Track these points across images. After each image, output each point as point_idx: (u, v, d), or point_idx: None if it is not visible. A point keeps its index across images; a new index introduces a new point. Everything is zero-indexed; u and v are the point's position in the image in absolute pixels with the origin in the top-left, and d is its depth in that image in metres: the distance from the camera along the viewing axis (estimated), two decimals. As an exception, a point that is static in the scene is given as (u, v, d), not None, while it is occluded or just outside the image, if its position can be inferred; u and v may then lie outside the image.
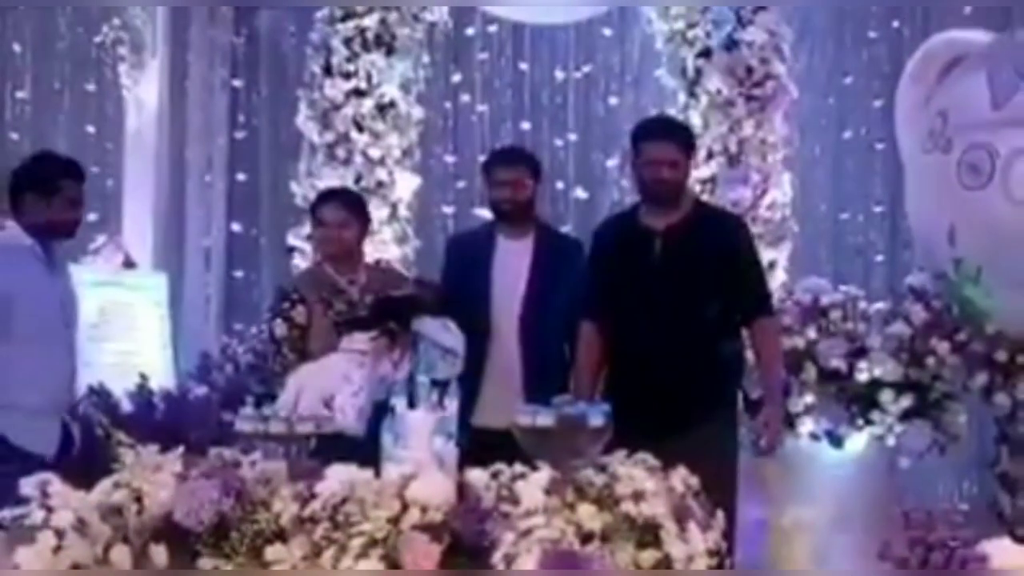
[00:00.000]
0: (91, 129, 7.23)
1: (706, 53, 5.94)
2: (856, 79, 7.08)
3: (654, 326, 4.18)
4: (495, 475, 3.21)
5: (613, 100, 7.06)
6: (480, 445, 3.66)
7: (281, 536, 3.14)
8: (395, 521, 3.06)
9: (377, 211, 5.94)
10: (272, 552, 3.11)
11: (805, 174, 6.60)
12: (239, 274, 7.34)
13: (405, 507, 3.09)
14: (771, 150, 5.97)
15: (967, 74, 4.71)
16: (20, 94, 7.06)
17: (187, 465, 3.29)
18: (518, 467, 3.22)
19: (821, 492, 4.83)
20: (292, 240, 6.17)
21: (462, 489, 3.18)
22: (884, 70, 6.83)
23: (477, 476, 3.23)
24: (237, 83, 7.28)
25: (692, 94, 5.97)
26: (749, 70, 5.91)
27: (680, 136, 4.33)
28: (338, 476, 3.20)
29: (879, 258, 7.10)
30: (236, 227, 7.28)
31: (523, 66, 7.11)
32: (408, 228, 6.19)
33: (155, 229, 7.19)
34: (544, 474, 3.16)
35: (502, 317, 4.56)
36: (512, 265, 4.60)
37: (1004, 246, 4.46)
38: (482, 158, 5.37)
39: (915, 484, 5.28)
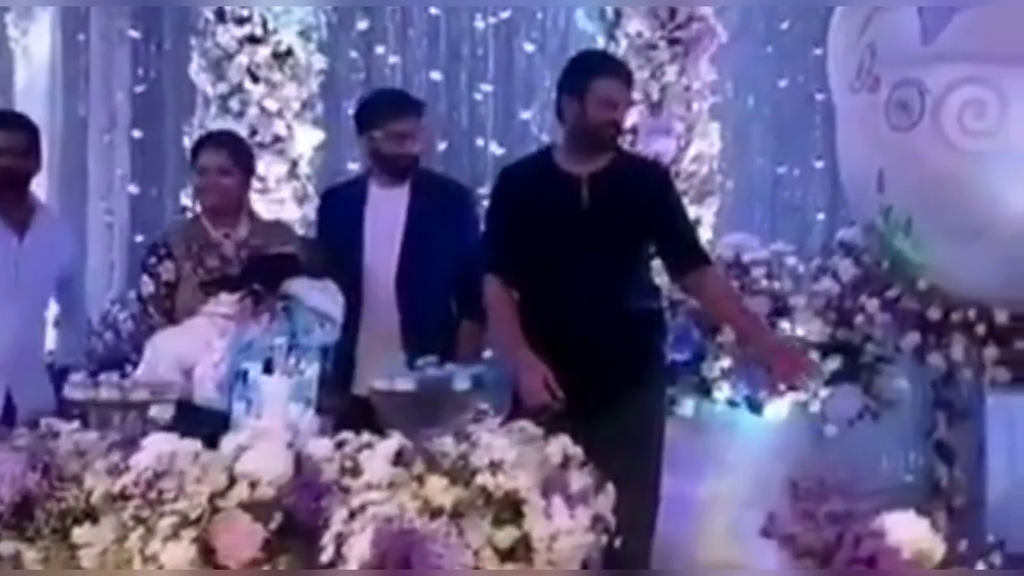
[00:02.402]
0: (-24, 82, 6.89)
1: (626, -10, 5.57)
2: (792, 24, 6.73)
3: (579, 280, 3.87)
4: (340, 445, 2.85)
5: (529, 47, 6.67)
6: (360, 416, 3.26)
7: (92, 515, 2.80)
8: (219, 497, 2.70)
9: (275, 168, 5.59)
10: (79, 534, 2.79)
11: (738, 126, 6.31)
12: (141, 239, 6.91)
13: (233, 482, 2.74)
14: (696, 97, 5.63)
15: (897, 5, 4.34)
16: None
17: (-4, 437, 2.96)
18: (366, 436, 2.86)
19: (739, 462, 4.51)
20: (185, 200, 5.77)
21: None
22: (822, 14, 6.45)
23: (320, 446, 2.87)
24: (135, 34, 6.85)
25: (611, 37, 5.61)
26: (672, 11, 5.54)
27: (627, 74, 4.06)
28: (157, 447, 2.83)
29: (820, 216, 6.78)
30: (133, 188, 6.86)
31: (435, 11, 6.71)
32: (309, 186, 5.81)
33: (50, 190, 6.77)
34: (393, 443, 2.81)
35: (378, 275, 4.18)
36: (387, 216, 4.22)
37: (935, 190, 4.09)
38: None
39: (856, 455, 4.93)
